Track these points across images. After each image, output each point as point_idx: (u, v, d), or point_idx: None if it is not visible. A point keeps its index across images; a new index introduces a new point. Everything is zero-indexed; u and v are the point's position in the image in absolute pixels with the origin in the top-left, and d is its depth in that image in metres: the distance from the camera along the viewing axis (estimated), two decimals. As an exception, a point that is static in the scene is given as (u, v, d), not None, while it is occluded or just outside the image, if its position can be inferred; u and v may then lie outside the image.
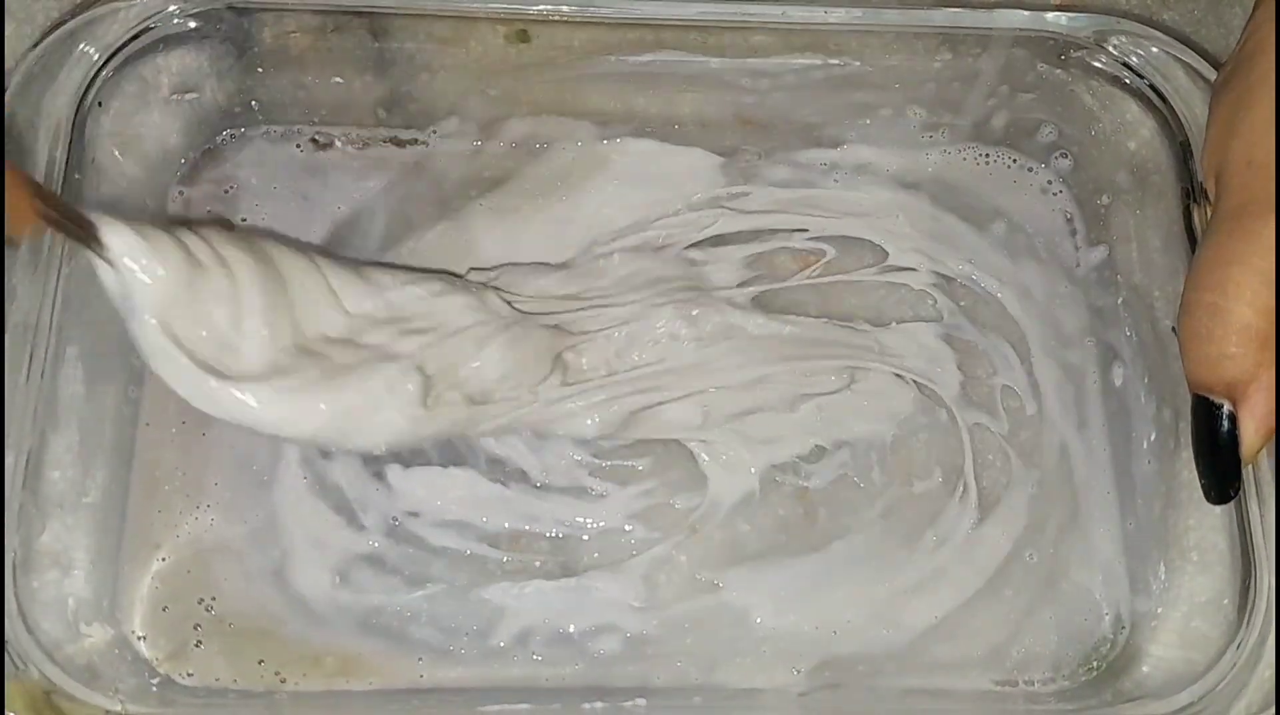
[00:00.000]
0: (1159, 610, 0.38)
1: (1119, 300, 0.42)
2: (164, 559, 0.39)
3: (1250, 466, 0.35)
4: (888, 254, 0.44)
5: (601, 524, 0.40)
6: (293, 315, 0.35)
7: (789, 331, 0.42)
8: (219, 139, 0.43)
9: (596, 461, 0.41)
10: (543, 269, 0.42)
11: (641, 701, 0.36)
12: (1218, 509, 0.37)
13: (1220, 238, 0.30)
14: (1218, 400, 0.30)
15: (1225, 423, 0.30)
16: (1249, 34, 0.31)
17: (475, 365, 0.37)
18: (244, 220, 0.42)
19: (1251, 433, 0.30)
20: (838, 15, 0.39)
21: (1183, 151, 0.39)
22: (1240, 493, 0.32)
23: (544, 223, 0.43)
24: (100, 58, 0.38)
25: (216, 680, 0.38)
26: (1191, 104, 0.39)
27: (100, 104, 0.38)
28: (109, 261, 0.31)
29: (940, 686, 0.39)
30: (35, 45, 0.37)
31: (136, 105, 0.40)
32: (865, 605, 0.39)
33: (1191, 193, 0.38)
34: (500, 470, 0.40)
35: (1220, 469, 0.31)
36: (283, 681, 0.38)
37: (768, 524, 0.40)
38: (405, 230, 0.43)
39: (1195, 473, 0.32)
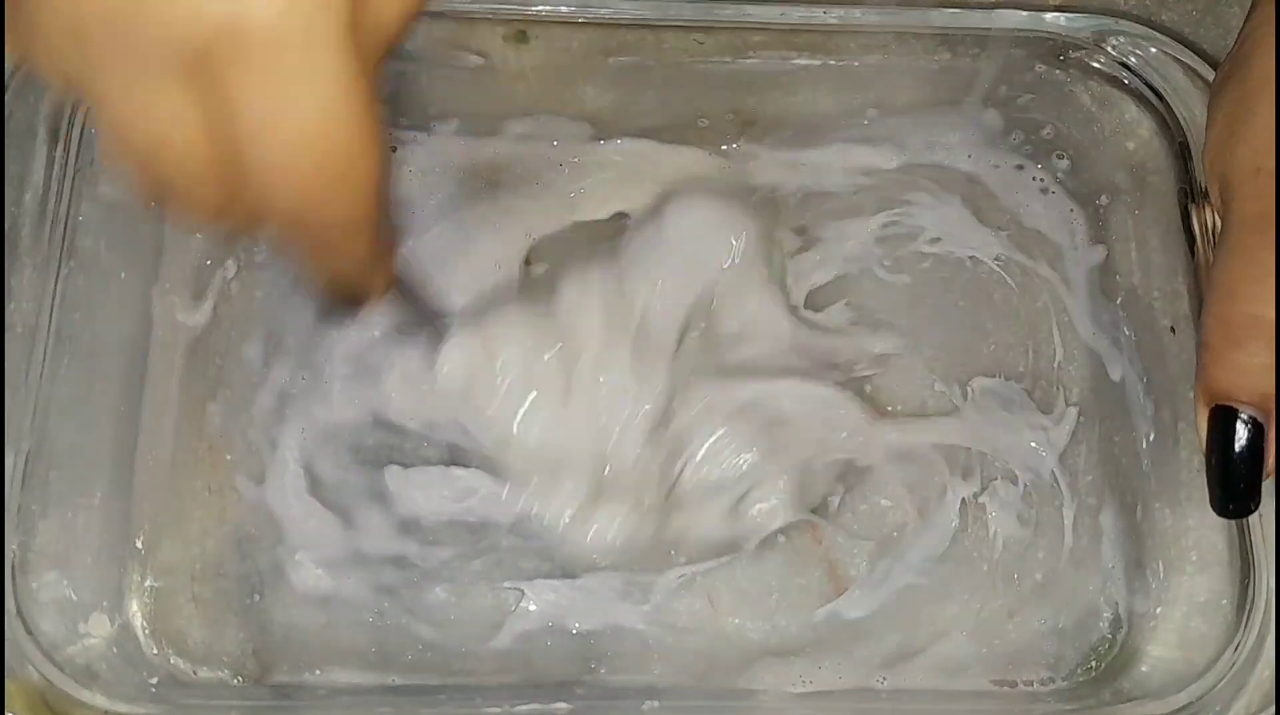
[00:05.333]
0: (1158, 610, 0.38)
1: (1118, 300, 0.42)
2: (163, 560, 0.39)
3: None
4: (887, 255, 0.44)
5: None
6: None
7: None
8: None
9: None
10: None
11: (645, 703, 0.36)
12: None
13: (1250, 249, 0.29)
14: (1245, 412, 0.29)
15: (1247, 435, 0.29)
16: (1246, 34, 0.31)
17: None
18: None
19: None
20: (837, 15, 0.40)
21: (1181, 152, 0.39)
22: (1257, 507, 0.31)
23: (543, 223, 0.43)
24: (100, 58, 0.38)
25: (216, 680, 0.38)
26: (1190, 104, 0.39)
27: (100, 104, 0.38)
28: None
29: (940, 686, 0.39)
30: (35, 45, 0.37)
31: (136, 105, 0.40)
32: (866, 606, 0.39)
33: (1190, 193, 0.38)
34: (501, 470, 0.40)
35: (1238, 483, 0.30)
36: (282, 681, 0.38)
37: (767, 524, 0.40)
38: (403, 232, 0.43)
39: (1204, 478, 0.31)
